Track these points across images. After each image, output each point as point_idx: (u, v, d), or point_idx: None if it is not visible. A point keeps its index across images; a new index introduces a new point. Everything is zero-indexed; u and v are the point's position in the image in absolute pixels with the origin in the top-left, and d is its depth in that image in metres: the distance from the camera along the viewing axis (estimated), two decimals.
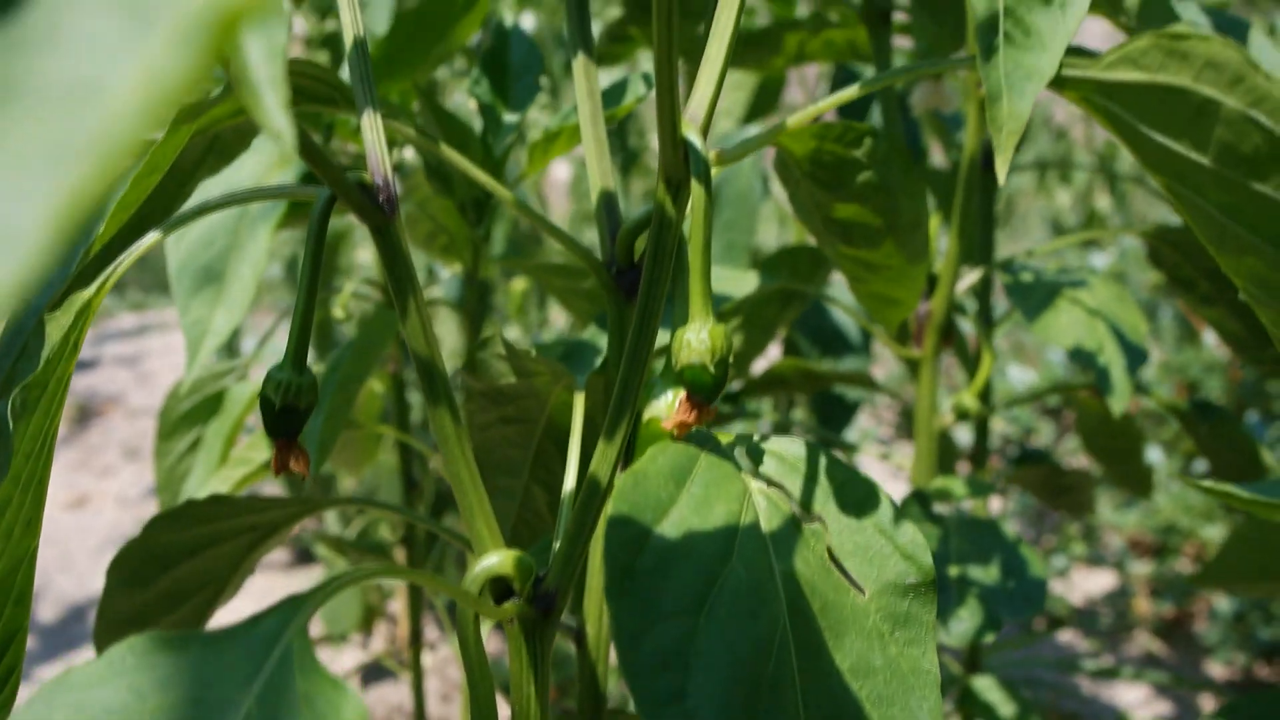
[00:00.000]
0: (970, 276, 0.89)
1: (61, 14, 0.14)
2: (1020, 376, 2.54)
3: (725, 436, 0.38)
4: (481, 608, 0.38)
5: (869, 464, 2.59)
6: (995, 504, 2.31)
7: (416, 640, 1.21)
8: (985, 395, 0.93)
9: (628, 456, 0.50)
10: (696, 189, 0.33)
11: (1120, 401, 0.74)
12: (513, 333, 1.85)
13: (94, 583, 2.34)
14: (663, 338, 0.62)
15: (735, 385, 1.29)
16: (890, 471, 2.58)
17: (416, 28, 0.80)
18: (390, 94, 0.82)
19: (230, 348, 1.92)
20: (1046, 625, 2.08)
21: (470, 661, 0.39)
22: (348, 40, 0.39)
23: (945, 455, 1.30)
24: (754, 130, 1.46)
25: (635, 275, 0.48)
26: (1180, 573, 2.16)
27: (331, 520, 1.88)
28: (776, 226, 2.55)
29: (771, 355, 2.49)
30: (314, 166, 0.35)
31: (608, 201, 0.50)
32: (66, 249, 0.40)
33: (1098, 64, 0.31)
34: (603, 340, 0.76)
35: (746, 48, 0.96)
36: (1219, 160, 0.28)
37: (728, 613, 0.32)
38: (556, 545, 0.43)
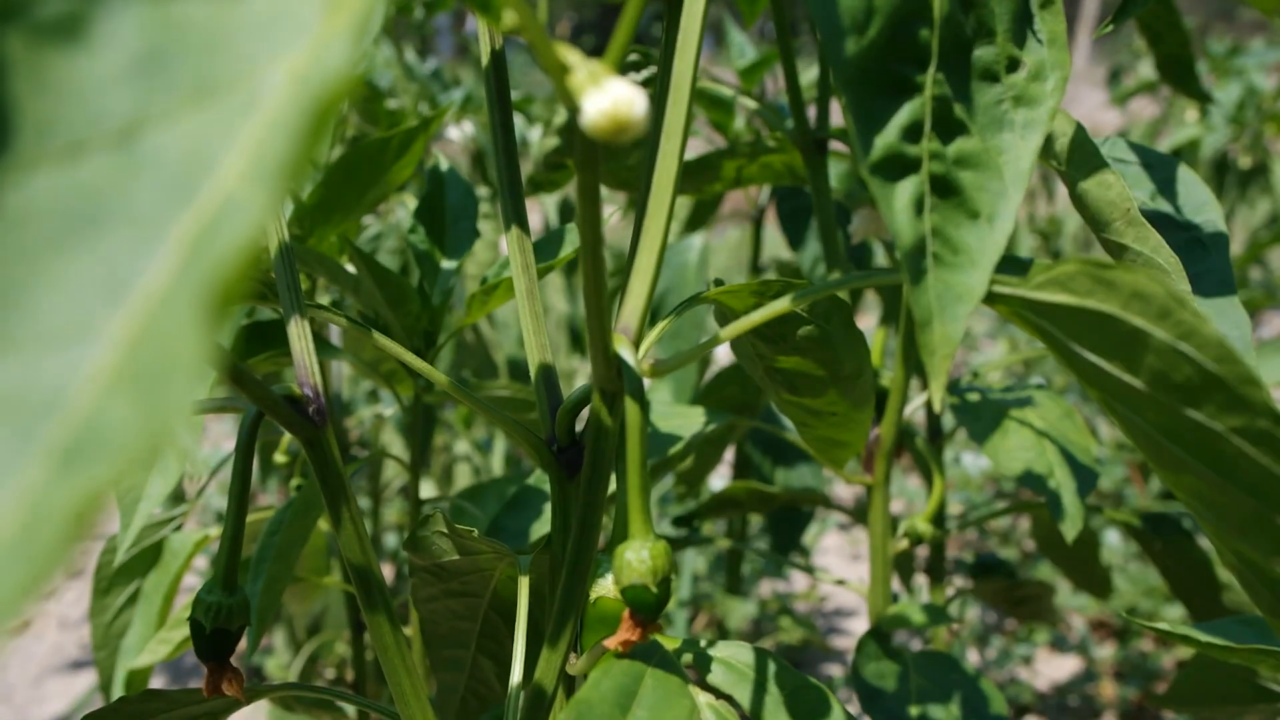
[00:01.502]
0: (919, 399, 0.89)
1: None
2: (975, 463, 2.55)
3: (670, 642, 0.37)
4: None
5: (829, 560, 2.58)
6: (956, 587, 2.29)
7: None
8: (939, 517, 0.93)
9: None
10: (631, 405, 0.32)
11: (1073, 528, 0.74)
12: (462, 445, 1.84)
13: (33, 714, 2.26)
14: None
15: (689, 506, 1.28)
16: (851, 555, 2.57)
17: (352, 173, 0.80)
18: (327, 240, 0.82)
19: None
20: (1014, 714, 2.06)
21: None
22: (272, 247, 0.38)
23: (904, 561, 1.30)
24: (696, 242, 1.47)
25: (576, 453, 0.47)
26: (1144, 653, 2.16)
27: (279, 640, 1.83)
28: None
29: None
30: (239, 389, 0.34)
31: (546, 376, 0.49)
32: None
33: (1028, 282, 0.30)
34: (548, 485, 0.74)
35: (684, 176, 0.96)
36: (1152, 385, 0.28)
37: None
38: None
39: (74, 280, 0.15)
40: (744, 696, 0.35)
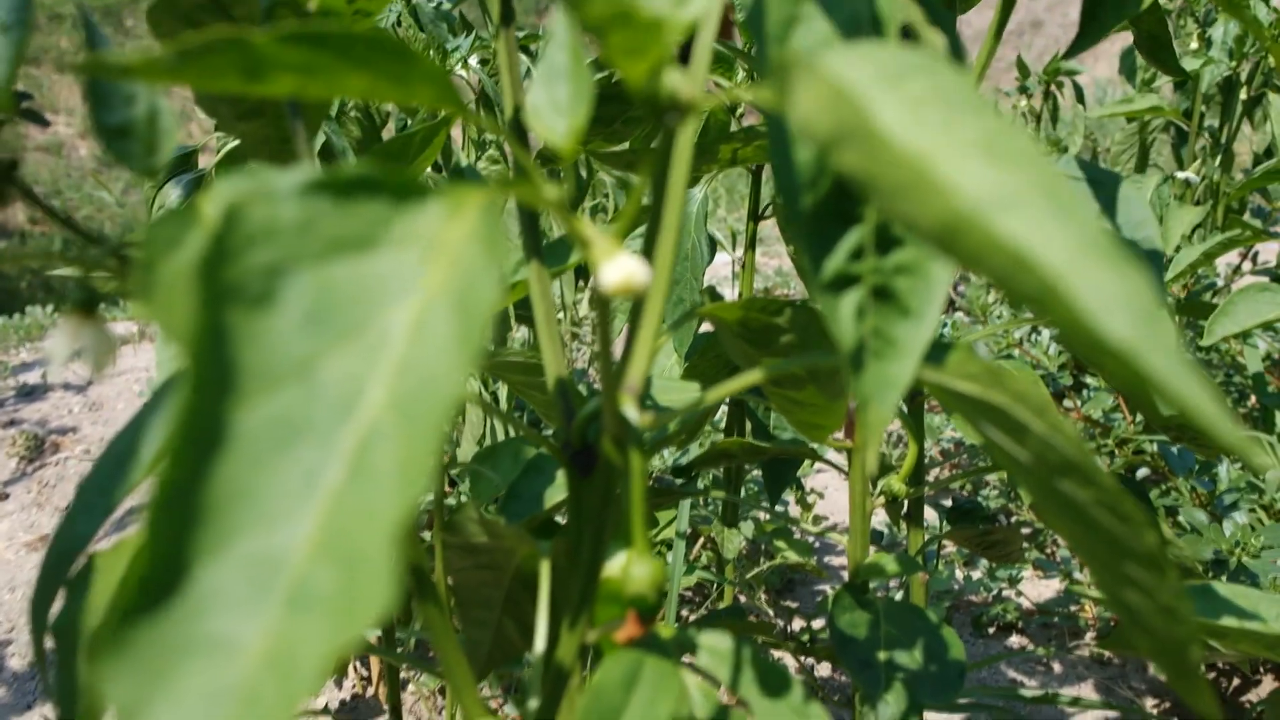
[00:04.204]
0: None
1: (205, 607, 0.22)
2: None
3: (666, 631, 0.45)
4: None
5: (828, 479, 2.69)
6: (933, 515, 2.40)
7: (394, 677, 1.28)
8: (916, 475, 1.01)
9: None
10: (634, 455, 0.41)
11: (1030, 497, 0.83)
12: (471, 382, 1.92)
13: None
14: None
15: (686, 455, 1.37)
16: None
17: (381, 161, 0.87)
18: None
19: None
20: (998, 631, 2.18)
21: None
22: None
23: (893, 504, 1.39)
24: (698, 193, 1.54)
25: (588, 456, 0.56)
26: None
27: None
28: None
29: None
30: None
31: (562, 389, 0.58)
32: None
33: (945, 371, 0.39)
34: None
35: None
36: (1034, 460, 0.36)
37: None
38: (532, 705, 0.50)
39: (283, 477, 0.23)
40: (724, 675, 0.44)
